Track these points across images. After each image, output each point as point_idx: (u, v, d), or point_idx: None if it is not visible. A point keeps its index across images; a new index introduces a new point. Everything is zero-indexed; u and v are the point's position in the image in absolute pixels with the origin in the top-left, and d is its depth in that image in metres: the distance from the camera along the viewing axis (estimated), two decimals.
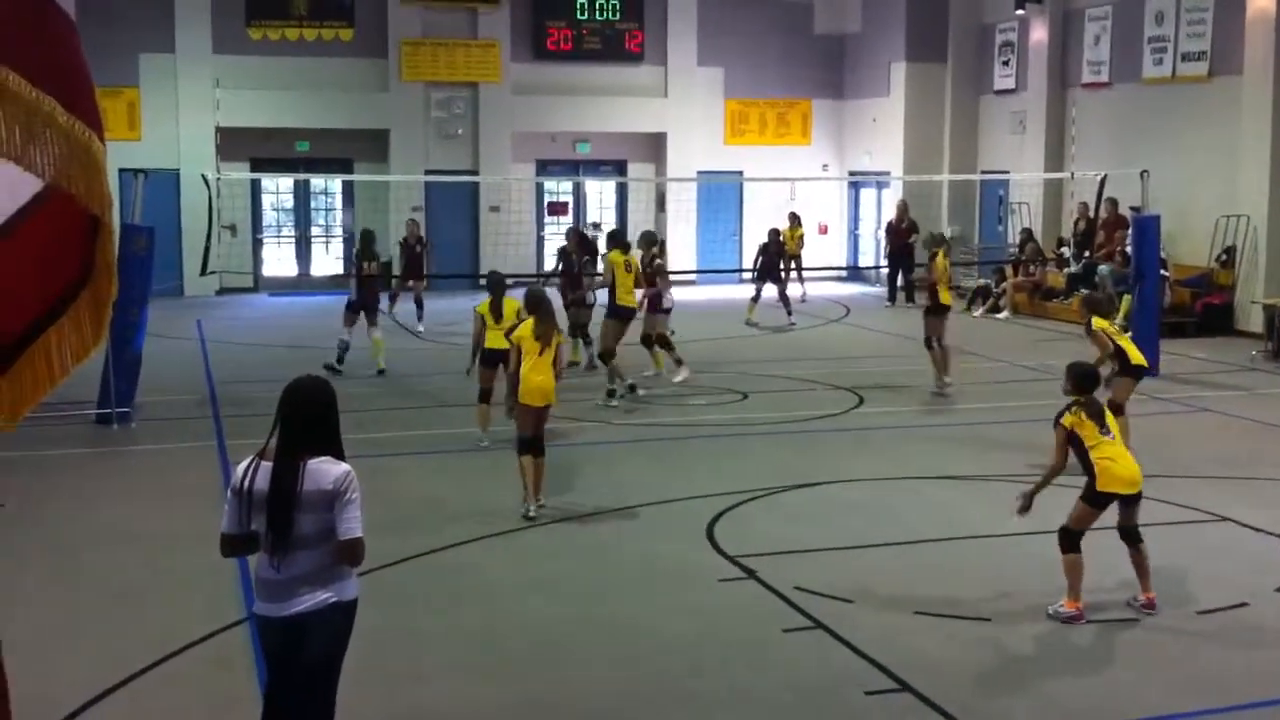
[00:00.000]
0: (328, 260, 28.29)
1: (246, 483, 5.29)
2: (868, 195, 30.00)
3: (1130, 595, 8.30)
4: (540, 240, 28.53)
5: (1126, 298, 18.78)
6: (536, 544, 9.70)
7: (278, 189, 28.08)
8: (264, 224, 28.02)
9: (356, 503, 5.27)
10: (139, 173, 14.88)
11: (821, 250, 28.65)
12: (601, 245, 17.40)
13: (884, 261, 26.65)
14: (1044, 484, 8.31)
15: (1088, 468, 8.11)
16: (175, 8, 25.80)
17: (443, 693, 7.05)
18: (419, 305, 20.91)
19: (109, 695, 6.92)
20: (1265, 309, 19.00)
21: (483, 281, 25.54)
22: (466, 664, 7.44)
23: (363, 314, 16.71)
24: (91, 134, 4.73)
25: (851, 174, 29.47)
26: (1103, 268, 21.67)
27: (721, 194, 29.37)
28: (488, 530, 9.94)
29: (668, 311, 16.22)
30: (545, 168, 28.84)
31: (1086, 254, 22.49)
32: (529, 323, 10.52)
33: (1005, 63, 26.52)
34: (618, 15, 28.32)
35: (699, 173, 28.39)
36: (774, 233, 23.08)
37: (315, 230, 28.48)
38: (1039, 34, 25.13)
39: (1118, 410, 11.30)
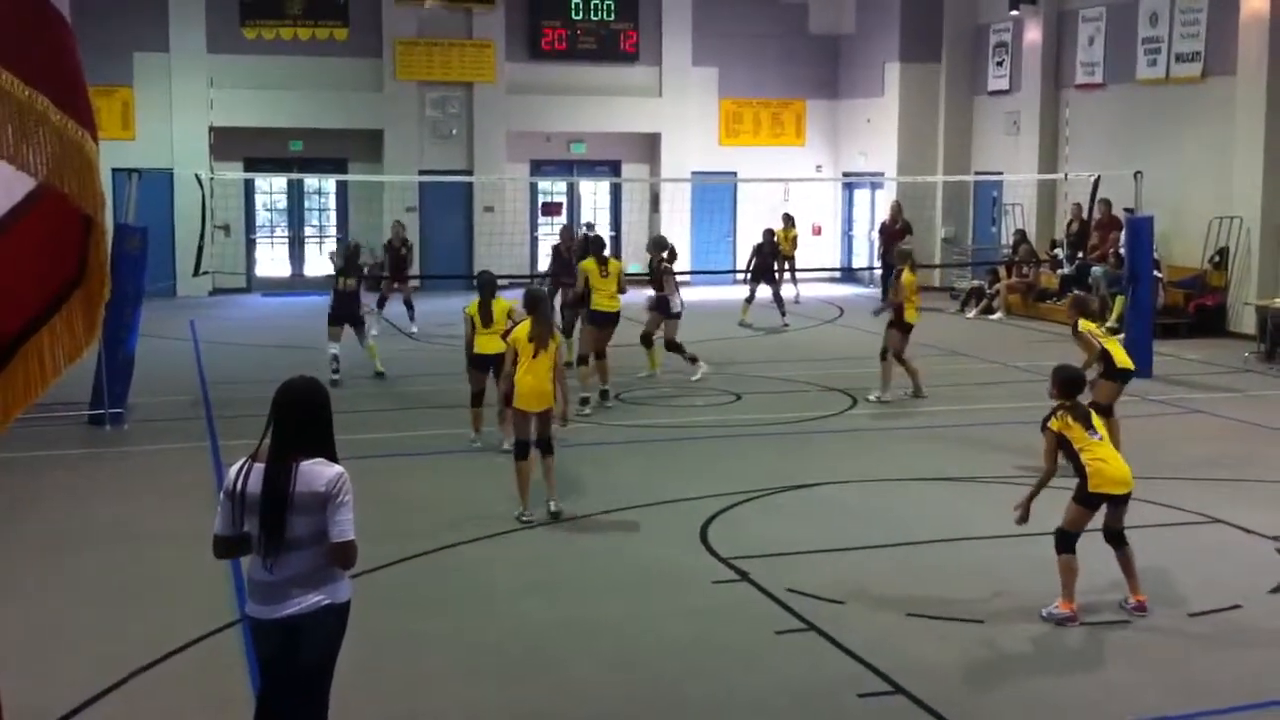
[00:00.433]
0: (321, 261, 28.23)
1: (239, 484, 5.28)
2: (862, 196, 30.01)
3: (1121, 598, 8.31)
4: (535, 241, 28.52)
5: (1120, 299, 18.80)
6: (531, 546, 9.69)
7: (271, 189, 28.03)
8: (257, 224, 27.98)
9: (349, 505, 5.26)
10: (132, 172, 14.86)
11: (815, 251, 28.67)
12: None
13: (878, 263, 26.66)
14: (1037, 490, 8.32)
15: (1079, 469, 8.14)
16: (170, 7, 25.75)
17: (436, 696, 7.04)
18: (409, 306, 20.88)
19: (102, 697, 6.91)
20: (1258, 311, 19.03)
21: (475, 282, 25.70)
22: (460, 667, 7.43)
23: (347, 326, 16.41)
24: (84, 133, 4.72)
25: (846, 175, 29.50)
26: (1096, 269, 21.69)
27: (716, 194, 29.38)
28: (482, 532, 9.93)
29: (676, 315, 16.21)
30: (540, 168, 28.83)
31: (1080, 255, 22.52)
32: (525, 324, 10.32)
33: (999, 63, 26.55)
34: (612, 15, 28.32)
35: (693, 173, 28.40)
36: (768, 233, 23.09)
37: (309, 230, 28.44)
38: (1033, 35, 25.16)
39: (1104, 413, 11.32)
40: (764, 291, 22.26)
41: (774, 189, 27.94)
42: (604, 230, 29.43)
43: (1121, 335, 14.70)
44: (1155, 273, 18.77)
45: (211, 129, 24.66)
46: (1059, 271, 23.20)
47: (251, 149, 26.07)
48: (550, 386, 10.18)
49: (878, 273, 26.54)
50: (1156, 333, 17.81)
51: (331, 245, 28.13)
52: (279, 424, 5.28)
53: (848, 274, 29.49)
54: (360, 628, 5.72)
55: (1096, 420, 8.35)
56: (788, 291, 23.42)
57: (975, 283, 24.61)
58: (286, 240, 28.24)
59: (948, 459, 12.42)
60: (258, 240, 27.91)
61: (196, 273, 17.07)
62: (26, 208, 4.59)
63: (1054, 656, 7.62)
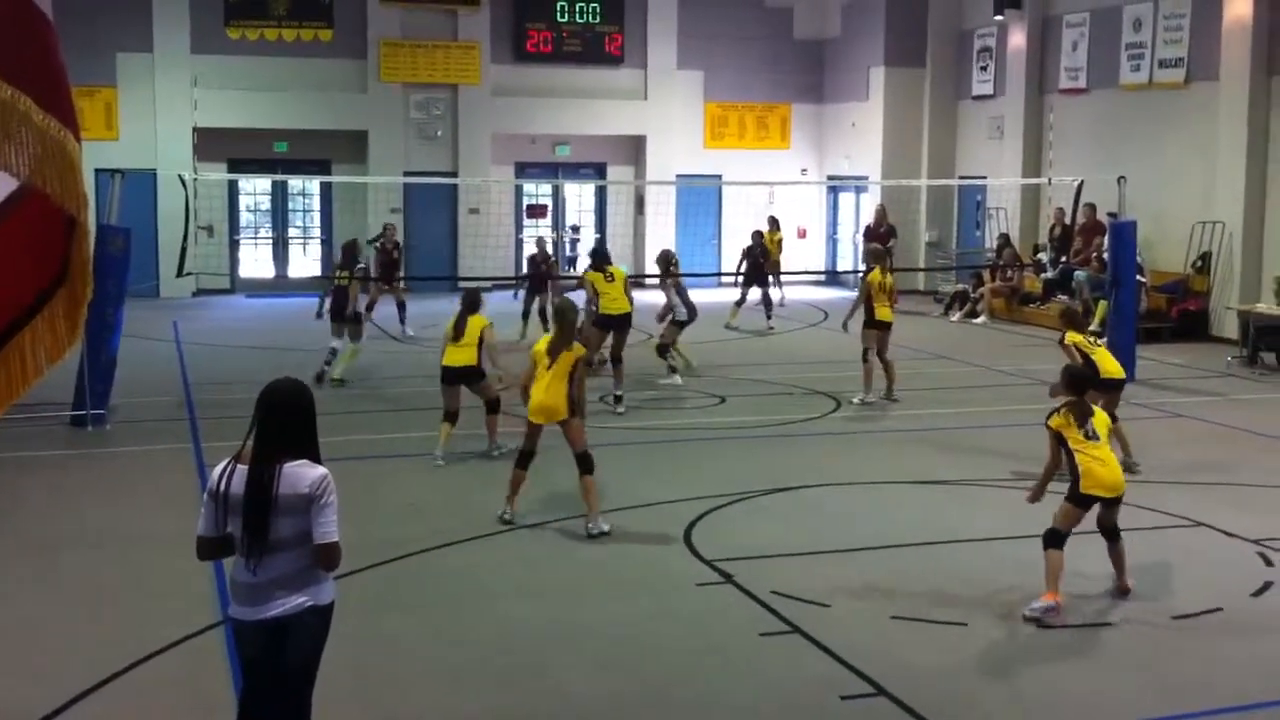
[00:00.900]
0: (305, 262, 28.20)
1: (223, 485, 5.26)
2: (846, 199, 30.07)
3: (1110, 587, 8.56)
4: (519, 243, 28.49)
5: (1103, 303, 18.87)
6: (514, 549, 9.68)
7: (255, 190, 27.98)
8: (241, 225, 27.92)
9: (333, 506, 5.24)
10: (116, 173, 14.80)
11: (800, 254, 28.71)
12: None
13: (862, 266, 26.67)
14: (1044, 481, 8.65)
15: (1072, 469, 8.35)
16: (153, 7, 25.69)
17: (420, 698, 7.02)
18: (401, 308, 20.87)
19: (83, 699, 6.87)
20: (1240, 315, 19.10)
21: (460, 284, 25.66)
22: (443, 669, 7.41)
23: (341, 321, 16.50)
24: (67, 132, 4.72)
25: (830, 178, 29.54)
26: (1079, 273, 21.76)
27: (701, 197, 29.40)
28: (466, 535, 9.91)
29: (679, 324, 16.67)
30: (525, 170, 28.84)
31: (1063, 259, 22.60)
32: (546, 336, 10.17)
33: (984, 68, 26.62)
34: (598, 18, 28.33)
35: (678, 176, 28.43)
36: (758, 235, 23.15)
37: (293, 232, 28.39)
38: (1017, 40, 25.24)
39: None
40: (754, 294, 22.30)
41: (759, 192, 27.97)
42: (588, 233, 29.58)
43: (1104, 340, 14.76)
44: (1138, 277, 18.83)
45: (195, 129, 24.61)
46: (1042, 275, 23.28)
47: (235, 150, 26.02)
48: (562, 402, 9.80)
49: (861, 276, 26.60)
50: (1139, 337, 17.87)
51: (316, 247, 28.19)
52: (263, 425, 5.26)
53: (832, 277, 29.53)
54: (343, 629, 5.71)
55: (1100, 421, 8.49)
56: (773, 295, 23.44)
57: (959, 286, 24.66)
58: (270, 241, 28.19)
59: (931, 462, 12.44)
60: (241, 241, 27.84)
61: (180, 274, 16.98)
62: (8, 209, 4.59)
63: (1037, 659, 7.64)
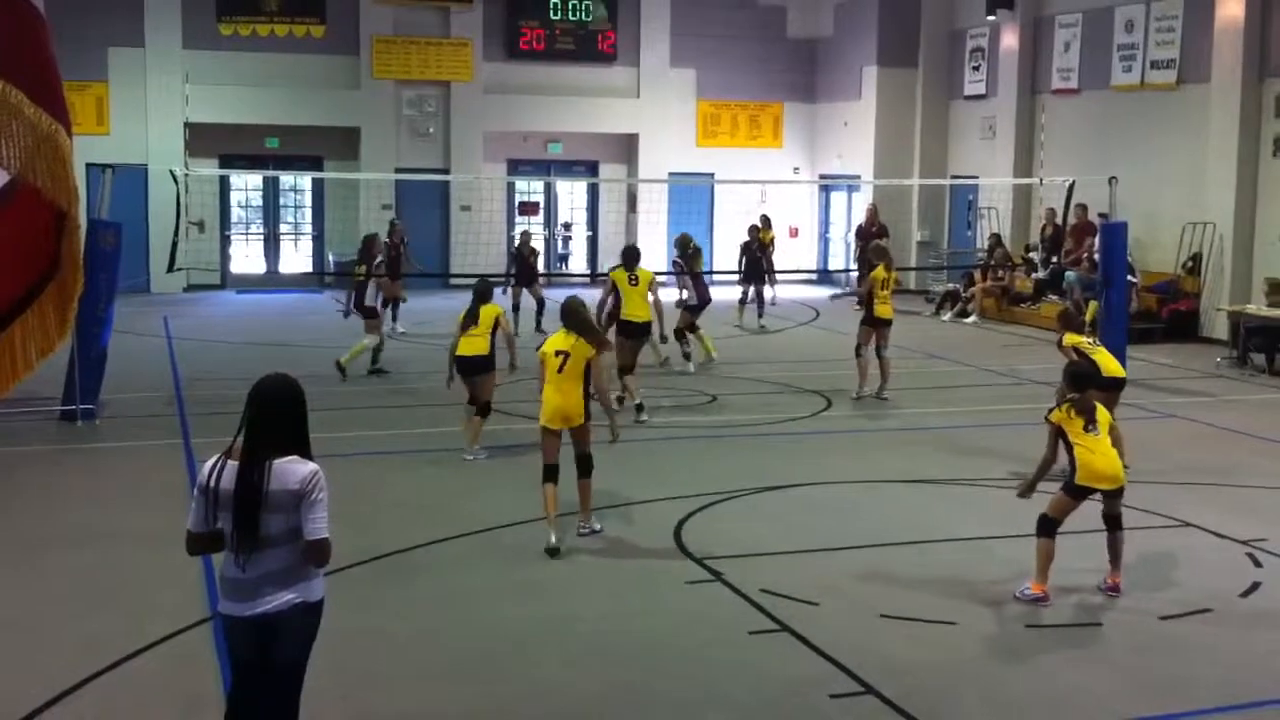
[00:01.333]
0: (297, 258, 28.17)
1: (212, 481, 5.25)
2: (838, 198, 30.09)
3: (1101, 579, 8.62)
4: (511, 240, 28.44)
5: (1094, 304, 18.90)
6: (504, 546, 9.67)
7: (246, 186, 27.93)
8: (232, 221, 27.87)
9: (323, 503, 5.24)
10: (107, 168, 14.78)
11: (792, 253, 28.73)
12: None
13: (854, 265, 26.73)
14: (1038, 476, 8.73)
15: (1070, 461, 8.49)
16: (145, 2, 25.65)
17: (408, 696, 7.02)
18: (395, 305, 20.86)
19: (71, 694, 6.86)
20: (1230, 316, 19.15)
21: (453, 282, 25.69)
22: (432, 667, 7.41)
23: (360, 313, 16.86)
24: (58, 126, 4.72)
25: (822, 177, 29.57)
26: (1070, 273, 21.81)
27: (693, 196, 29.41)
28: (454, 531, 9.91)
29: (692, 308, 17.40)
30: (517, 167, 28.82)
31: (1054, 259, 22.64)
32: (554, 336, 9.67)
33: (976, 68, 26.65)
34: (591, 16, 28.33)
35: (671, 174, 28.42)
36: (754, 230, 23.16)
37: (284, 228, 28.34)
38: (1009, 40, 25.26)
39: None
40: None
41: (751, 191, 27.98)
42: (580, 230, 29.60)
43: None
44: (1129, 278, 18.88)
45: (187, 125, 24.51)
46: (1033, 275, 23.32)
47: (227, 145, 26.00)
48: (578, 406, 9.46)
49: (854, 275, 26.62)
50: (1130, 337, 17.89)
51: (307, 243, 28.16)
52: (253, 421, 5.25)
53: (824, 276, 29.56)
54: (332, 626, 5.70)
55: (1101, 417, 8.59)
56: (765, 293, 23.45)
57: (950, 286, 24.70)
58: (261, 237, 28.14)
59: (921, 461, 12.46)
60: (233, 237, 27.80)
61: (171, 269, 16.99)
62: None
63: (1025, 658, 7.65)
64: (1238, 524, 10.23)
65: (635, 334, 14.60)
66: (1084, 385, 8.73)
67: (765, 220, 25.33)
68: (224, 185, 26.88)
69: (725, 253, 24.01)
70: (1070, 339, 11.75)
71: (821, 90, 29.90)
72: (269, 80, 26.36)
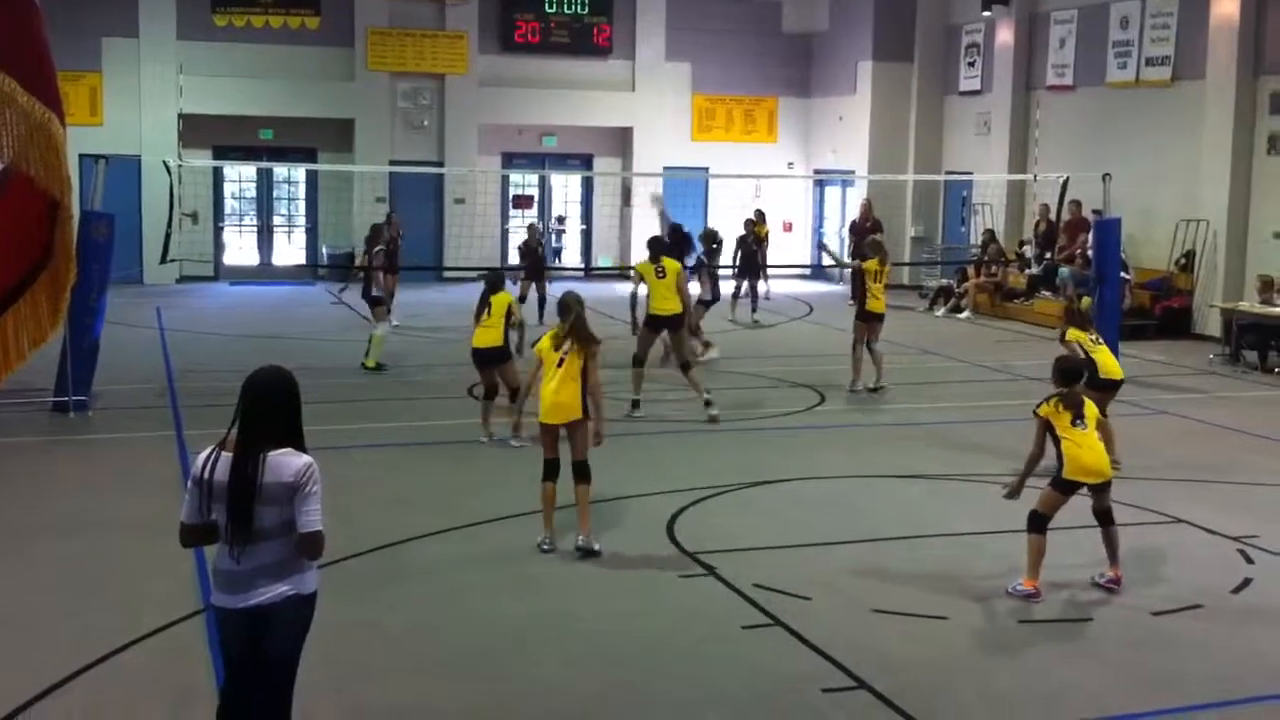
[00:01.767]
0: (290, 250, 28.14)
1: (206, 473, 5.24)
2: (833, 193, 30.10)
3: (1097, 573, 8.64)
4: (505, 234, 28.45)
5: (1086, 300, 18.91)
6: (496, 541, 9.66)
7: (240, 177, 27.89)
8: (226, 212, 27.83)
9: (317, 495, 5.22)
10: (100, 158, 14.73)
11: (786, 248, 28.72)
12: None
13: (848, 259, 26.71)
14: (1026, 472, 8.71)
15: (1058, 455, 8.51)
16: None
17: (403, 691, 7.01)
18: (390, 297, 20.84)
19: (63, 685, 6.85)
20: (1223, 313, 19.18)
21: (446, 274, 25.68)
22: (425, 661, 7.40)
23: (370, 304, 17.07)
24: (51, 115, 4.69)
25: (817, 172, 29.57)
26: (1064, 269, 21.84)
27: (687, 190, 29.39)
28: (450, 524, 9.91)
29: (705, 304, 17.91)
30: (511, 160, 28.79)
31: (1048, 255, 22.65)
32: (549, 333, 9.48)
33: (971, 64, 26.66)
34: (586, 9, 28.30)
35: (665, 168, 28.40)
36: (749, 223, 23.16)
37: (278, 220, 28.31)
38: (1005, 36, 25.27)
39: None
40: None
41: (745, 185, 27.97)
42: (574, 224, 29.58)
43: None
44: (1123, 274, 18.90)
45: (180, 116, 24.47)
46: (1027, 271, 23.34)
47: (221, 137, 25.94)
48: (576, 401, 9.22)
49: (848, 270, 26.62)
50: (1123, 334, 17.91)
51: (300, 235, 28.15)
52: (247, 413, 5.24)
53: (818, 271, 29.56)
54: (325, 619, 5.69)
55: (1089, 411, 8.61)
56: (759, 288, 23.46)
57: (944, 281, 24.72)
58: (255, 229, 28.10)
59: (914, 456, 12.46)
60: (226, 229, 27.75)
61: (164, 260, 16.94)
62: None
63: (1017, 653, 7.66)
64: (1229, 520, 10.25)
65: (661, 326, 14.32)
66: (1072, 380, 8.71)
67: (760, 215, 25.33)
68: (218, 177, 26.82)
69: (734, 245, 23.92)
70: (1073, 334, 11.74)
71: (816, 85, 29.90)
72: (263, 72, 26.31)
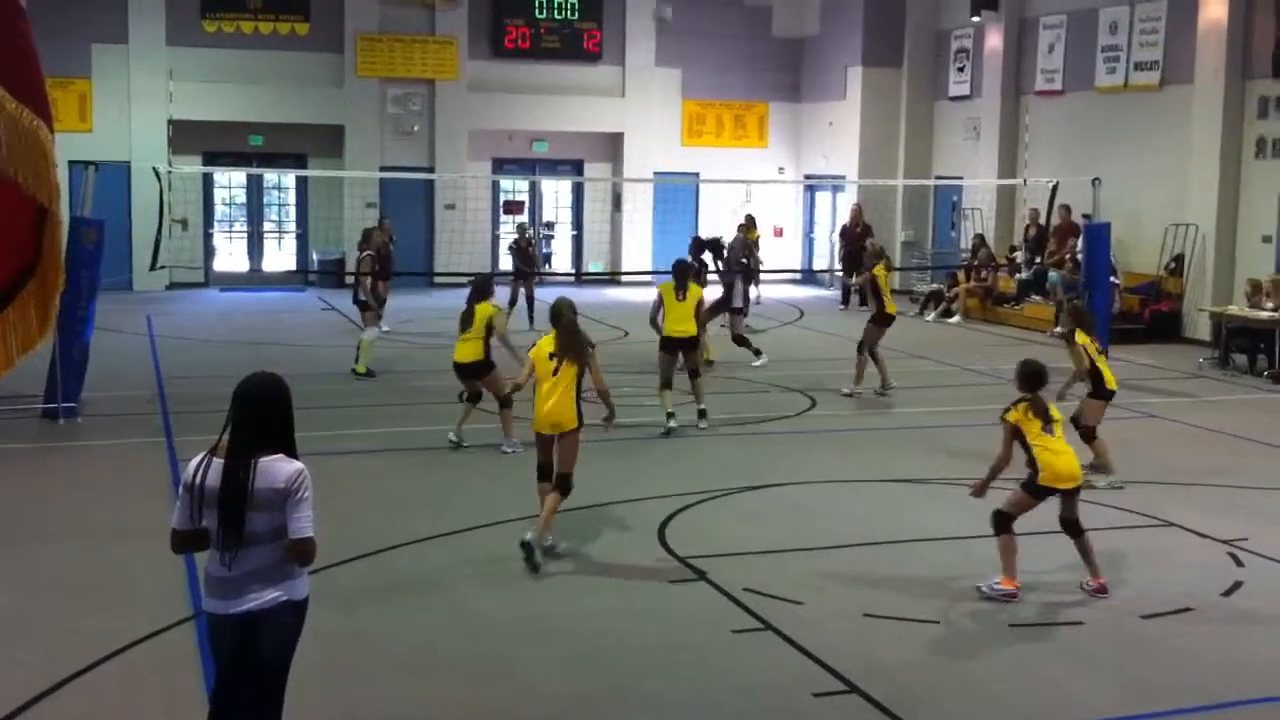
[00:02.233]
0: (280, 256, 28.10)
1: (198, 479, 5.23)
2: (823, 198, 30.13)
3: (1082, 580, 8.61)
4: (496, 239, 28.45)
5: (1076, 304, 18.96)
6: (487, 545, 9.65)
7: (230, 183, 27.86)
8: (216, 219, 27.79)
9: (308, 502, 5.22)
10: (89, 165, 14.71)
11: (776, 253, 28.75)
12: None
13: (838, 265, 26.77)
14: (991, 476, 8.67)
15: (1030, 461, 8.46)
16: None
17: (391, 694, 7.00)
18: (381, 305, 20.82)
19: (54, 692, 6.83)
20: (1212, 317, 19.23)
21: (437, 280, 25.66)
22: (416, 665, 7.40)
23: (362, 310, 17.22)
24: (39, 122, 4.69)
25: (807, 177, 29.60)
26: (1053, 274, 21.88)
27: (678, 195, 29.41)
28: (440, 530, 9.90)
29: (735, 311, 18.26)
30: (502, 166, 28.79)
31: (1038, 260, 22.70)
32: (546, 339, 9.38)
33: (960, 69, 26.71)
34: (576, 14, 28.31)
35: (656, 173, 28.43)
36: (742, 228, 23.13)
37: (268, 226, 28.27)
38: (994, 41, 25.33)
39: (1088, 435, 11.38)
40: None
41: (736, 190, 28.00)
42: (564, 229, 29.58)
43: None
44: (1112, 278, 18.95)
45: (170, 122, 24.47)
46: (1017, 276, 23.39)
47: (211, 143, 25.94)
48: (570, 413, 9.13)
49: (839, 274, 26.67)
50: (1112, 338, 17.99)
51: (291, 241, 28.12)
52: (239, 419, 5.24)
53: (809, 276, 29.59)
54: (315, 625, 5.69)
55: (1055, 415, 8.58)
56: (750, 293, 23.46)
57: (934, 286, 24.75)
58: (245, 235, 28.06)
59: (905, 460, 12.48)
60: (216, 235, 27.71)
61: (153, 267, 16.95)
62: None
63: (1008, 658, 7.67)
64: (1219, 523, 10.27)
65: (676, 348, 13.96)
66: (1036, 385, 8.60)
67: (750, 220, 25.33)
68: (207, 183, 26.81)
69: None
70: (1081, 338, 11.53)
71: (806, 90, 29.94)
72: (253, 78, 26.28)
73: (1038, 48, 24.50)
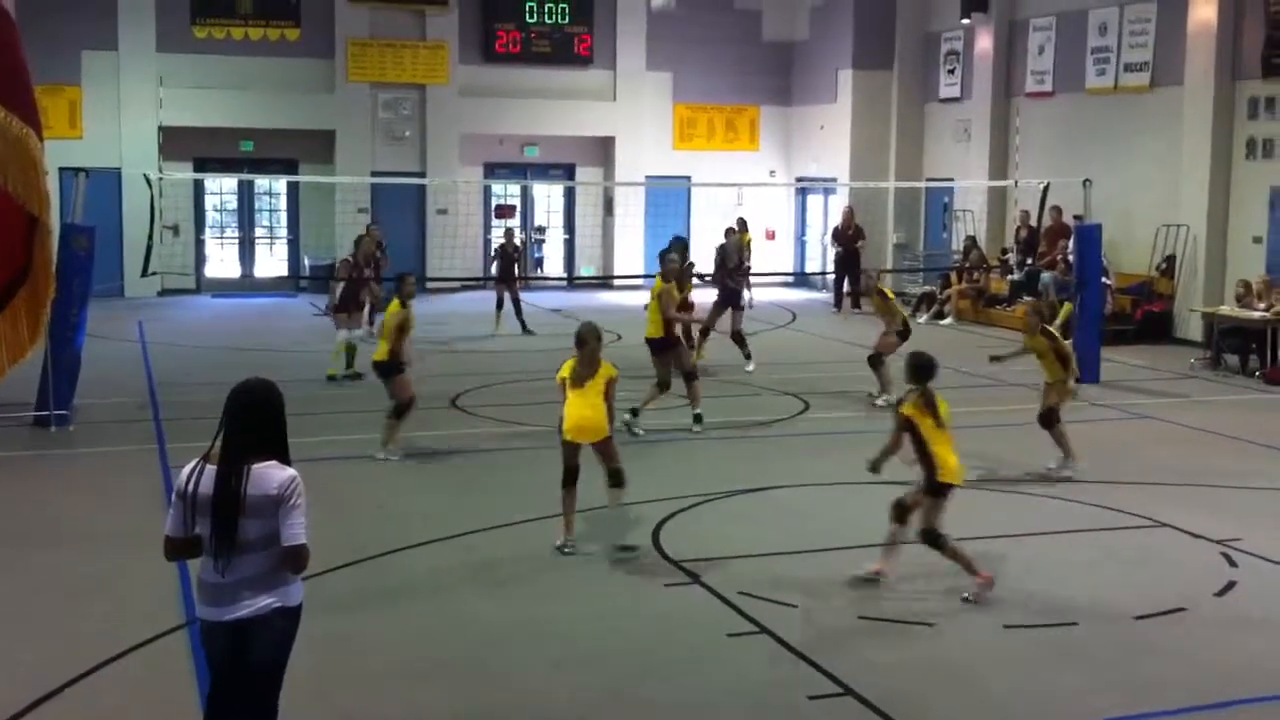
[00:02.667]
0: (272, 262, 28.07)
1: (191, 486, 5.22)
2: (815, 201, 30.16)
3: (968, 592, 8.47)
4: (488, 244, 28.42)
5: (1067, 305, 18.98)
6: (483, 549, 9.65)
7: (221, 189, 27.82)
8: (207, 225, 27.76)
9: (301, 508, 5.21)
10: (80, 171, 14.68)
11: (769, 256, 28.77)
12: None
13: (831, 268, 26.79)
14: (881, 459, 8.79)
15: (926, 460, 8.46)
16: (118, 5, 25.49)
17: (387, 699, 6.99)
18: (373, 309, 20.78)
19: (47, 700, 6.81)
20: (1204, 318, 19.26)
21: (429, 285, 25.63)
22: (409, 670, 7.39)
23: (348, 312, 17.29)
24: (28, 130, 4.68)
25: (799, 180, 29.62)
26: (1045, 275, 21.91)
27: (669, 199, 29.42)
28: (435, 535, 9.88)
29: (740, 308, 18.44)
30: (493, 171, 28.79)
31: (1029, 261, 22.73)
32: (567, 364, 9.48)
33: (951, 71, 26.75)
34: (567, 19, 28.31)
35: (647, 177, 28.43)
36: (730, 232, 23.14)
37: (259, 231, 28.24)
38: (984, 43, 25.37)
39: (1050, 421, 11.51)
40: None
41: (727, 194, 28.01)
42: (556, 233, 29.57)
43: (1069, 341, 14.86)
44: (1103, 279, 18.97)
45: (161, 129, 24.44)
46: (1009, 277, 23.42)
47: (201, 149, 25.89)
48: (603, 420, 9.39)
49: (830, 278, 26.69)
50: (1104, 339, 18.00)
51: (282, 247, 28.09)
52: (231, 426, 5.23)
53: (801, 279, 29.61)
54: (309, 630, 5.67)
55: (943, 410, 8.63)
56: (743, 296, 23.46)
57: (926, 288, 24.78)
58: (236, 241, 28.02)
59: (898, 464, 12.44)
60: (207, 241, 27.68)
61: (145, 273, 16.90)
62: None
63: (1002, 659, 7.68)
64: (1212, 524, 10.28)
65: (652, 350, 14.15)
66: (924, 377, 8.66)
67: (742, 223, 25.35)
68: (198, 189, 26.78)
69: (702, 256, 23.96)
70: (1038, 341, 12.00)
71: (797, 93, 29.96)
72: (243, 83, 26.25)
73: (1028, 49, 24.55)
